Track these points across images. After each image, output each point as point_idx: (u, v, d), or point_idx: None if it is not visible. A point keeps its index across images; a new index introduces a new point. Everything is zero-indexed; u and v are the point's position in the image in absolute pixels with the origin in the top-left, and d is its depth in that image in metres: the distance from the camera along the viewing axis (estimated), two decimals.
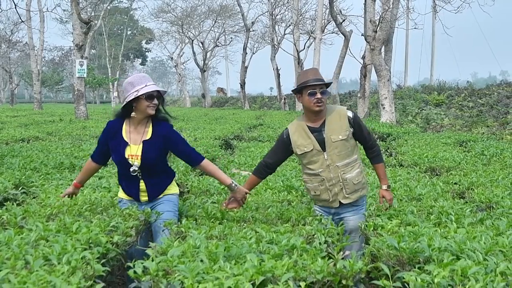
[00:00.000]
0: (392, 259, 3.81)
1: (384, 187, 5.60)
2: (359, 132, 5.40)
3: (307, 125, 5.41)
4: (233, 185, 5.50)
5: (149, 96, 5.11)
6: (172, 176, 5.62)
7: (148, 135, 5.29)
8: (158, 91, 5.19)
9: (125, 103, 5.18)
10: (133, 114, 5.21)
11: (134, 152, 5.25)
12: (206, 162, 5.50)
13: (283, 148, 5.57)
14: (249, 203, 5.99)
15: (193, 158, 5.49)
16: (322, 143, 5.32)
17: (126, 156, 5.25)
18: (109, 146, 5.36)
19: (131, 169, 5.23)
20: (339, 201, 5.40)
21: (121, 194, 5.54)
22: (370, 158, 5.62)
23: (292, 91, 5.53)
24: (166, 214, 5.26)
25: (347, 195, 5.36)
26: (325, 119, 5.36)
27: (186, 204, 5.87)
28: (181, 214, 5.54)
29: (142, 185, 5.34)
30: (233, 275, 3.15)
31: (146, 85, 5.11)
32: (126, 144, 5.26)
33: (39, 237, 4.06)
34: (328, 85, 5.33)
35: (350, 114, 5.38)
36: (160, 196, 5.44)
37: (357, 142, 5.50)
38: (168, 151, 5.51)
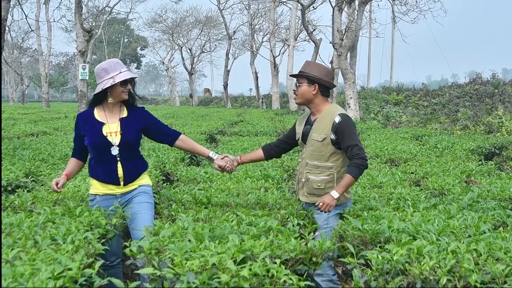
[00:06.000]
0: (356, 239, 3.83)
1: (332, 192, 4.54)
2: (340, 140, 4.61)
3: (310, 116, 4.91)
4: (211, 155, 5.07)
5: (124, 82, 4.64)
6: (146, 166, 5.03)
7: (124, 114, 4.79)
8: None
9: (100, 90, 4.63)
10: (110, 100, 4.69)
11: (113, 130, 4.69)
12: (184, 137, 5.04)
13: (291, 131, 5.11)
14: (231, 190, 5.98)
15: (171, 134, 4.98)
16: (306, 137, 4.81)
17: (105, 133, 4.66)
18: (84, 134, 4.73)
19: (111, 149, 4.65)
20: (299, 197, 4.97)
21: (94, 189, 4.79)
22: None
23: None
24: (144, 216, 4.66)
25: (305, 194, 4.81)
26: (318, 117, 4.76)
27: (176, 191, 5.83)
28: (170, 199, 5.50)
29: (120, 169, 4.69)
30: (217, 253, 3.15)
31: (120, 72, 4.62)
32: (102, 123, 4.70)
33: (46, 219, 4.07)
34: (309, 78, 4.68)
35: (337, 119, 4.63)
36: (135, 185, 4.81)
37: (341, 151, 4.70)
38: (142, 135, 4.94)
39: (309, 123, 4.85)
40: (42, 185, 6.36)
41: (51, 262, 3.02)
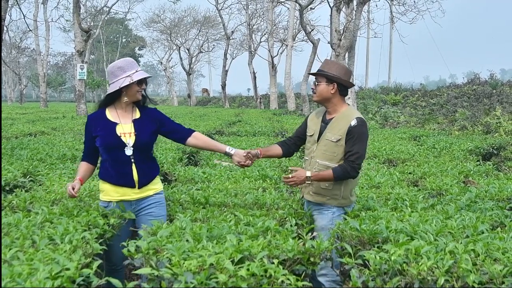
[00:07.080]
0: (354, 239, 3.82)
1: (307, 172, 4.65)
2: (347, 141, 4.58)
3: (325, 114, 4.85)
4: (228, 150, 4.92)
5: (140, 81, 4.52)
6: (158, 169, 4.89)
7: (137, 115, 4.66)
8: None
9: (117, 88, 4.47)
10: (125, 99, 4.55)
11: (126, 130, 4.54)
12: (197, 134, 4.90)
13: (303, 126, 5.05)
14: (229, 190, 5.97)
15: (184, 132, 4.84)
16: (320, 135, 4.75)
17: (118, 133, 4.51)
18: (96, 135, 4.56)
19: (125, 149, 4.49)
20: (303, 194, 4.97)
21: (107, 195, 4.63)
22: None
23: None
24: (162, 219, 4.56)
25: (311, 193, 4.79)
26: (335, 117, 4.73)
27: (174, 191, 5.83)
28: (168, 199, 5.48)
29: (134, 171, 4.54)
30: (214, 253, 3.15)
31: (136, 71, 4.50)
32: (115, 123, 4.55)
33: (44, 219, 4.08)
34: (328, 76, 4.66)
35: (353, 122, 4.59)
36: (150, 191, 4.67)
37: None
38: (157, 136, 4.82)
39: (324, 121, 4.81)
40: (40, 185, 6.37)
41: (49, 262, 3.02)
